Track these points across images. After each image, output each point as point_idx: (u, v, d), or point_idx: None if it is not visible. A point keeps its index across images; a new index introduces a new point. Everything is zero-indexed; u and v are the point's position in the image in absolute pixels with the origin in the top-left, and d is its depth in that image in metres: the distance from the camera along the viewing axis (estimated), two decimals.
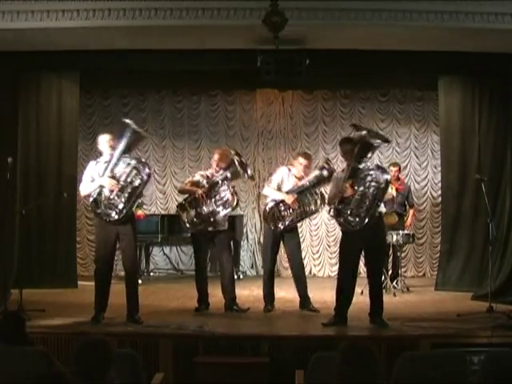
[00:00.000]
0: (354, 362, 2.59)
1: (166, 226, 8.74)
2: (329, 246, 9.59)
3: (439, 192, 9.09)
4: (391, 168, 8.17)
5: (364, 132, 5.53)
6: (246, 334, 5.41)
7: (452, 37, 6.48)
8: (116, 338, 4.98)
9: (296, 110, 9.82)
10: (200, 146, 9.87)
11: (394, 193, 7.96)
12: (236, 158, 6.32)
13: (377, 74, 8.20)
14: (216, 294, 6.57)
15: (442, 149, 8.32)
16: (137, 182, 5.60)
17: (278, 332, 5.59)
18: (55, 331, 5.29)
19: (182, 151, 9.88)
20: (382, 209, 6.02)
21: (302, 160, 6.48)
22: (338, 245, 6.10)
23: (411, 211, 8.29)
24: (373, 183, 5.47)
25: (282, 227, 6.39)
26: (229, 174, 6.36)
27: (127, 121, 5.69)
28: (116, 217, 5.57)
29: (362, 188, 5.48)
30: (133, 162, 5.64)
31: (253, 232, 9.86)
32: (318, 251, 9.75)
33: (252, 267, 9.80)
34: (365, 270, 6.09)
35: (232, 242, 7.81)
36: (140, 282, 7.99)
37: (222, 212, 6.31)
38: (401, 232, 7.68)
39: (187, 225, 6.42)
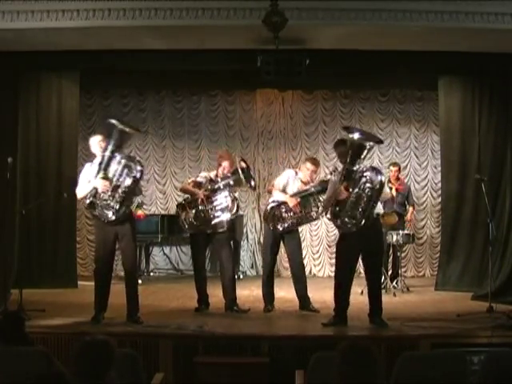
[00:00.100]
0: (354, 362, 2.59)
1: (166, 226, 8.74)
2: (329, 246, 9.59)
3: (439, 192, 9.10)
4: (391, 168, 8.18)
5: (356, 134, 5.52)
6: (246, 333, 5.40)
7: (452, 37, 6.48)
8: (116, 338, 4.93)
9: (296, 110, 9.82)
10: (200, 146, 9.87)
11: (394, 193, 7.96)
12: (242, 166, 6.31)
13: (377, 73, 8.19)
14: (216, 294, 6.57)
15: (442, 149, 8.32)
16: (129, 181, 5.58)
17: (277, 332, 5.59)
18: (55, 331, 5.28)
19: (181, 151, 9.88)
20: (379, 210, 6.02)
21: (309, 165, 6.45)
22: (335, 245, 6.09)
23: (411, 209, 8.29)
24: (367, 184, 5.46)
25: (280, 229, 6.39)
26: (232, 182, 6.35)
27: (112, 121, 5.64)
28: (113, 217, 5.56)
29: (356, 190, 5.47)
30: (124, 161, 5.62)
31: (253, 232, 9.86)
32: (317, 251, 9.76)
33: (252, 267, 9.81)
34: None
35: (232, 242, 7.81)
36: (140, 282, 7.99)
37: (221, 217, 6.31)
38: (401, 232, 7.69)
39: (186, 225, 6.42)
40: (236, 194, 6.57)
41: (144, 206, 9.18)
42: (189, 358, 5.05)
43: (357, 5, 6.14)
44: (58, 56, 7.11)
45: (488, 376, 3.23)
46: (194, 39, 6.63)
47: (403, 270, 8.58)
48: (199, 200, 6.30)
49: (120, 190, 5.56)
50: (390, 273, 7.87)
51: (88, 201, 5.64)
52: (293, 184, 6.49)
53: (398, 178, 8.14)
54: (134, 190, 5.72)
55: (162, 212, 9.60)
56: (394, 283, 7.71)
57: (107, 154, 5.58)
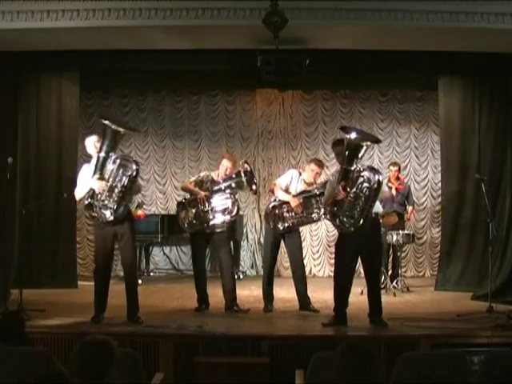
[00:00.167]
0: (354, 361, 2.59)
1: (166, 226, 8.73)
2: (329, 246, 9.59)
3: (439, 192, 9.10)
4: (391, 168, 8.18)
5: (353, 134, 5.51)
6: (246, 333, 5.40)
7: (452, 37, 6.48)
8: (116, 338, 4.94)
9: (296, 110, 9.82)
10: (200, 145, 9.88)
11: (394, 192, 7.96)
12: (245, 169, 6.30)
13: (377, 73, 8.19)
14: (216, 294, 6.58)
15: (441, 149, 8.32)
16: (125, 180, 5.57)
17: (277, 332, 5.59)
18: (55, 331, 5.28)
19: (181, 151, 9.89)
20: (379, 209, 6.02)
21: (314, 167, 6.44)
22: (334, 246, 6.09)
23: (410, 208, 8.29)
24: (365, 184, 5.45)
25: (281, 228, 6.39)
26: (234, 184, 6.34)
27: (105, 121, 5.63)
28: (111, 217, 5.56)
29: (354, 190, 5.47)
30: (119, 161, 5.61)
31: (253, 232, 9.86)
32: (317, 251, 9.76)
33: (252, 267, 9.81)
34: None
35: (232, 242, 7.81)
36: (140, 282, 8.01)
37: (221, 218, 6.30)
38: (401, 232, 7.69)
39: (185, 224, 6.42)
40: (236, 196, 6.56)
41: (144, 206, 9.19)
42: (189, 358, 5.05)
43: (357, 5, 6.14)
44: (58, 56, 7.11)
45: (488, 376, 3.23)
46: (194, 39, 6.63)
47: (403, 269, 8.57)
48: (200, 200, 6.30)
49: (117, 190, 5.56)
50: (389, 273, 7.87)
51: (86, 202, 5.63)
52: (296, 184, 6.48)
53: (398, 178, 8.14)
54: (131, 188, 5.69)
55: (162, 212, 9.60)
56: (394, 283, 7.71)
57: (102, 154, 5.58)
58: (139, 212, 8.59)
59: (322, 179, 6.74)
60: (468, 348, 4.48)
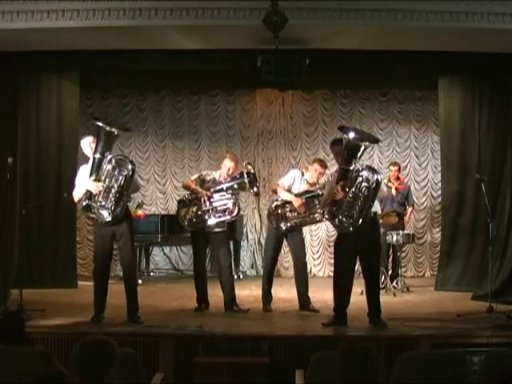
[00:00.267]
0: (354, 361, 2.59)
1: (166, 226, 8.73)
2: (329, 246, 9.58)
3: (439, 192, 9.10)
4: (391, 168, 8.18)
5: (351, 134, 5.51)
6: (246, 333, 5.40)
7: (452, 37, 6.47)
8: (116, 338, 4.95)
9: (296, 110, 9.82)
10: (200, 145, 9.87)
11: (394, 192, 7.97)
12: (248, 171, 6.30)
13: (377, 73, 8.20)
14: (216, 294, 6.57)
15: (441, 149, 8.32)
16: (121, 180, 5.57)
17: (277, 332, 5.58)
18: (55, 331, 5.29)
19: (181, 151, 9.89)
20: (377, 209, 6.02)
21: (317, 167, 6.44)
22: (333, 246, 6.09)
23: (410, 209, 8.30)
24: (364, 184, 5.45)
25: (283, 228, 6.40)
26: (236, 185, 6.34)
27: (98, 123, 5.62)
28: (109, 218, 5.56)
29: (353, 189, 5.47)
30: (114, 161, 5.60)
31: (253, 232, 9.86)
32: (317, 251, 9.76)
33: (252, 267, 9.81)
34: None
35: (232, 242, 7.81)
36: (140, 281, 8.02)
37: (221, 218, 6.30)
38: (401, 232, 7.69)
39: (185, 222, 6.42)
40: (237, 196, 6.55)
41: (144, 206, 9.19)
42: (189, 358, 5.05)
43: (357, 5, 6.14)
44: (58, 56, 7.11)
45: (488, 376, 3.23)
46: (194, 39, 6.63)
47: (403, 269, 8.58)
48: (202, 199, 6.30)
49: (113, 190, 5.56)
50: (390, 273, 7.87)
51: (84, 203, 5.64)
52: (299, 184, 6.49)
53: (398, 178, 8.15)
54: (129, 188, 5.68)
55: (162, 212, 9.60)
56: (394, 283, 7.71)
57: (97, 155, 5.58)
58: (139, 212, 8.60)
59: (324, 179, 6.75)
60: (468, 348, 4.47)
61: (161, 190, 9.90)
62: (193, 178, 6.67)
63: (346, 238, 5.59)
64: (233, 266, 6.99)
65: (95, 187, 5.54)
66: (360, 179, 5.46)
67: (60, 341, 5.10)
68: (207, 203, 6.29)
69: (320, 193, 6.31)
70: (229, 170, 6.40)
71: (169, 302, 7.04)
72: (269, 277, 6.61)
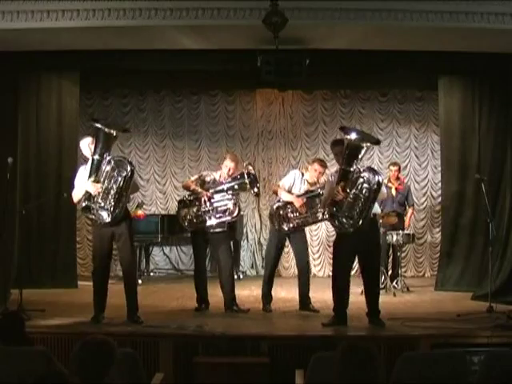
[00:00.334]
0: (354, 361, 2.59)
1: (166, 226, 8.73)
2: (329, 246, 9.57)
3: (439, 192, 9.10)
4: (391, 168, 8.18)
5: (353, 134, 5.51)
6: (246, 333, 5.40)
7: (452, 37, 6.47)
8: (116, 338, 4.96)
9: (296, 110, 9.82)
10: (200, 145, 9.87)
11: (394, 192, 7.97)
12: (248, 171, 6.30)
13: (377, 73, 8.19)
14: (216, 294, 6.57)
15: (441, 149, 8.32)
16: (121, 182, 5.56)
17: (277, 332, 5.58)
18: (55, 331, 5.29)
19: (181, 151, 9.89)
20: (377, 210, 6.02)
21: (317, 167, 6.45)
22: (332, 246, 6.09)
23: (410, 211, 8.29)
24: (365, 185, 5.45)
25: (286, 229, 6.40)
26: (236, 186, 6.33)
27: (96, 125, 5.63)
28: (109, 219, 5.56)
29: (354, 190, 5.46)
30: (113, 162, 5.60)
31: (253, 232, 9.87)
32: (318, 251, 9.76)
33: (252, 267, 9.81)
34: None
35: (232, 242, 7.81)
36: (140, 281, 8.03)
37: (221, 219, 6.30)
38: (401, 232, 7.69)
39: (185, 222, 6.42)
40: (238, 197, 6.55)
41: (144, 206, 9.19)
42: (189, 358, 5.05)
43: (357, 5, 6.14)
44: (58, 56, 7.10)
45: (488, 376, 3.24)
46: (194, 39, 6.62)
47: (403, 269, 8.58)
48: (202, 199, 6.30)
49: (112, 192, 5.56)
50: (389, 273, 7.87)
51: (83, 204, 5.64)
52: (299, 185, 6.49)
53: (398, 178, 8.14)
54: (128, 189, 5.68)
55: (162, 212, 9.60)
56: (394, 283, 7.71)
57: (96, 157, 5.58)
58: (139, 212, 8.60)
59: (324, 179, 6.75)
60: (468, 348, 4.48)
61: (161, 189, 9.90)
62: (193, 178, 6.66)
63: (345, 238, 5.59)
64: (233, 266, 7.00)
65: (94, 188, 5.54)
66: (361, 180, 5.46)
67: (60, 341, 5.10)
68: (207, 204, 6.29)
69: (321, 192, 6.31)
70: (229, 170, 6.40)
71: (169, 302, 7.04)
72: (270, 277, 6.61)
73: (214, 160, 9.64)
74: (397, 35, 6.51)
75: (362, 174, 5.47)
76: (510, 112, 7.44)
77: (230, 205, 6.29)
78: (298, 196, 6.41)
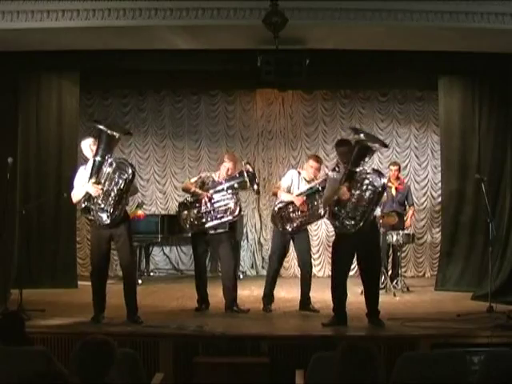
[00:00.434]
0: (354, 361, 2.59)
1: (166, 226, 8.73)
2: (329, 246, 9.54)
3: (439, 192, 9.10)
4: (391, 167, 8.18)
5: (362, 135, 5.51)
6: (246, 333, 5.40)
7: (452, 37, 6.47)
8: (116, 338, 4.95)
9: (296, 110, 9.82)
10: (200, 145, 9.87)
11: (394, 192, 7.96)
12: (247, 169, 6.31)
13: (377, 73, 8.20)
14: (216, 294, 6.57)
15: (441, 149, 8.32)
16: (121, 184, 5.56)
17: (277, 332, 5.58)
18: (55, 331, 5.29)
19: (181, 151, 9.89)
20: (377, 212, 6.02)
21: (312, 163, 6.47)
22: (331, 246, 6.10)
23: (411, 211, 8.29)
24: (370, 187, 5.45)
25: (290, 229, 6.40)
26: (236, 184, 6.34)
27: (99, 126, 5.62)
28: (108, 220, 5.56)
29: (358, 192, 5.47)
30: (115, 164, 5.60)
31: (253, 232, 9.87)
32: (318, 251, 9.76)
33: (252, 267, 9.81)
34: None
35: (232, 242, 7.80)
36: (140, 281, 8.03)
37: (223, 219, 6.30)
38: (401, 232, 7.68)
39: (187, 225, 6.42)
40: (238, 196, 6.55)
41: (144, 206, 9.19)
42: (189, 358, 5.05)
43: (357, 5, 6.14)
44: (58, 56, 7.10)
45: (488, 376, 3.24)
46: (194, 39, 6.63)
47: (403, 269, 8.58)
48: (203, 200, 6.30)
49: (113, 194, 5.55)
50: (390, 273, 7.86)
51: (83, 205, 5.64)
52: (298, 184, 6.49)
53: (397, 178, 8.14)
54: (128, 191, 5.69)
55: (162, 212, 9.60)
56: (394, 283, 7.70)
57: (98, 158, 5.58)
58: (139, 212, 8.59)
59: (322, 174, 6.74)
60: (468, 348, 4.47)
61: (161, 189, 9.90)
62: (192, 180, 6.67)
63: (345, 239, 5.58)
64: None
65: (95, 190, 5.54)
66: (367, 182, 5.46)
67: (60, 341, 5.10)
68: (208, 204, 6.29)
69: (319, 188, 6.32)
70: (228, 170, 6.41)
71: (169, 302, 7.04)
72: (273, 278, 6.61)
73: (213, 160, 9.64)
74: (397, 35, 6.51)
75: (367, 176, 5.47)
76: (510, 112, 7.44)
77: (231, 204, 6.29)
78: (298, 195, 6.41)
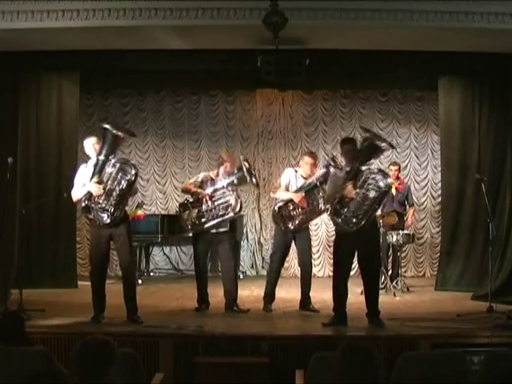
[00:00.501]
0: (354, 361, 2.59)
1: (166, 226, 8.72)
2: (329, 246, 9.57)
3: (439, 192, 9.11)
4: (391, 167, 8.17)
5: (370, 134, 5.53)
6: (246, 333, 5.40)
7: (452, 37, 6.47)
8: (116, 338, 4.95)
9: (296, 110, 9.82)
10: (200, 145, 9.87)
11: (394, 192, 7.96)
12: (245, 164, 6.31)
13: (377, 73, 8.20)
14: (216, 294, 6.58)
15: (441, 149, 8.32)
16: (124, 184, 5.57)
17: (278, 332, 5.59)
18: (55, 331, 5.29)
19: (181, 151, 9.89)
20: (377, 212, 6.03)
21: (307, 159, 6.50)
22: (332, 245, 6.09)
23: (411, 210, 8.29)
24: (374, 187, 5.46)
25: (292, 227, 6.39)
26: (236, 180, 6.34)
27: (105, 125, 5.64)
28: (108, 220, 5.56)
29: (363, 191, 5.47)
30: (118, 165, 5.60)
31: (253, 232, 9.87)
32: (318, 251, 9.75)
33: (252, 267, 9.81)
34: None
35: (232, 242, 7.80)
36: (140, 281, 8.04)
37: (225, 216, 6.30)
38: (401, 232, 7.68)
39: (188, 225, 6.42)
40: (238, 192, 6.56)
41: (144, 206, 9.19)
42: (189, 358, 5.05)
43: (357, 5, 6.14)
44: (58, 56, 7.10)
45: (488, 376, 3.24)
46: (194, 39, 6.63)
47: (403, 269, 8.58)
48: (203, 199, 6.30)
49: (115, 194, 5.56)
50: (390, 273, 7.86)
51: (83, 204, 5.64)
52: (295, 182, 6.50)
53: (398, 178, 8.14)
54: (130, 192, 5.71)
55: (162, 212, 9.60)
56: (394, 283, 7.70)
57: (101, 157, 5.58)
58: (139, 212, 8.59)
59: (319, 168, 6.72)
60: (468, 348, 4.48)
61: (161, 189, 9.90)
62: (191, 180, 6.67)
63: (346, 238, 5.58)
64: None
65: (97, 189, 5.54)
66: (372, 181, 5.47)
67: (60, 341, 5.10)
68: (209, 203, 6.30)
69: (317, 183, 6.32)
70: (226, 167, 6.42)
71: (169, 302, 7.04)
72: (275, 278, 6.61)
73: (213, 160, 9.60)
74: (397, 35, 6.51)
75: (372, 175, 5.48)
76: (510, 112, 7.44)
77: (232, 200, 6.30)
78: (295, 191, 6.42)
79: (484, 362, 3.44)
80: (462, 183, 7.90)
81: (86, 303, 5.96)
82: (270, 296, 6.55)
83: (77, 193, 5.73)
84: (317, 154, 6.96)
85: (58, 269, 7.96)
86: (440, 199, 8.98)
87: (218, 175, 6.47)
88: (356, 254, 5.75)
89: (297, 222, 6.40)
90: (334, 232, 9.24)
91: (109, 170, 5.59)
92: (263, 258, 9.76)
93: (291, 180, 6.52)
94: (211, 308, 6.47)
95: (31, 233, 7.93)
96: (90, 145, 5.76)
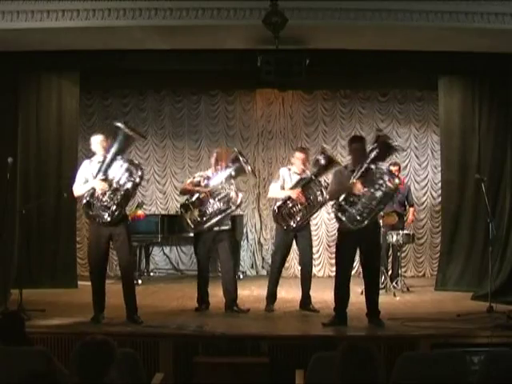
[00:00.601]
0: (354, 361, 2.59)
1: (166, 226, 8.73)
2: (329, 246, 9.59)
3: (439, 192, 9.10)
4: (391, 167, 8.15)
5: (383, 134, 5.56)
6: (246, 333, 5.40)
7: (452, 37, 6.48)
8: (116, 338, 4.95)
9: (296, 110, 9.82)
10: (200, 146, 9.87)
11: None
12: (239, 156, 6.32)
13: (377, 73, 8.20)
14: (216, 294, 6.58)
15: (441, 149, 8.32)
16: (129, 185, 5.58)
17: (278, 332, 5.59)
18: (55, 331, 5.29)
19: (181, 151, 9.88)
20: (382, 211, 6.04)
21: (298, 154, 6.53)
22: (335, 244, 6.10)
23: (411, 211, 8.30)
24: (382, 187, 5.46)
25: (294, 225, 6.37)
26: (233, 172, 6.33)
27: (119, 124, 5.64)
28: (108, 219, 5.56)
29: (372, 190, 5.47)
30: (126, 165, 5.62)
31: (253, 232, 9.86)
32: (318, 251, 9.75)
33: (252, 267, 9.81)
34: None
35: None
36: (140, 282, 8.05)
37: (228, 210, 6.30)
38: (401, 232, 7.69)
39: (191, 225, 6.41)
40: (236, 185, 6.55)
41: (144, 206, 9.19)
42: (189, 358, 5.05)
43: (357, 5, 6.14)
44: (58, 56, 7.11)
45: (488, 376, 3.24)
46: (194, 39, 6.63)
47: (403, 269, 8.58)
48: (204, 196, 6.30)
49: (119, 193, 5.56)
50: (390, 273, 7.86)
51: (85, 200, 5.63)
52: (289, 179, 6.51)
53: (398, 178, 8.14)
54: (134, 193, 5.73)
55: (162, 212, 9.59)
56: (394, 283, 7.70)
57: (110, 156, 5.58)
58: (139, 212, 8.59)
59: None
60: (468, 348, 4.48)
61: (161, 189, 9.90)
62: (188, 181, 6.68)
63: (347, 236, 5.58)
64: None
65: (101, 186, 5.54)
66: (380, 181, 5.47)
67: (60, 341, 5.10)
68: (210, 200, 6.30)
69: (312, 176, 6.32)
70: (215, 164, 6.43)
71: (169, 302, 7.03)
72: (276, 278, 6.61)
73: None
74: (397, 35, 6.51)
75: (381, 176, 5.48)
76: (510, 112, 7.44)
77: (232, 193, 6.30)
78: (291, 188, 6.42)
79: (484, 362, 3.45)
80: (462, 183, 7.90)
81: (86, 303, 5.96)
82: (272, 296, 6.55)
83: (78, 188, 5.72)
84: (306, 148, 6.94)
85: (58, 269, 7.96)
86: (440, 199, 8.98)
87: (215, 170, 6.46)
88: (357, 254, 5.74)
89: (298, 218, 6.38)
90: (334, 232, 9.35)
91: (116, 169, 5.59)
92: (263, 258, 9.76)
93: (286, 178, 6.54)
94: (211, 308, 6.47)
95: (31, 233, 7.92)
96: (98, 142, 5.75)
